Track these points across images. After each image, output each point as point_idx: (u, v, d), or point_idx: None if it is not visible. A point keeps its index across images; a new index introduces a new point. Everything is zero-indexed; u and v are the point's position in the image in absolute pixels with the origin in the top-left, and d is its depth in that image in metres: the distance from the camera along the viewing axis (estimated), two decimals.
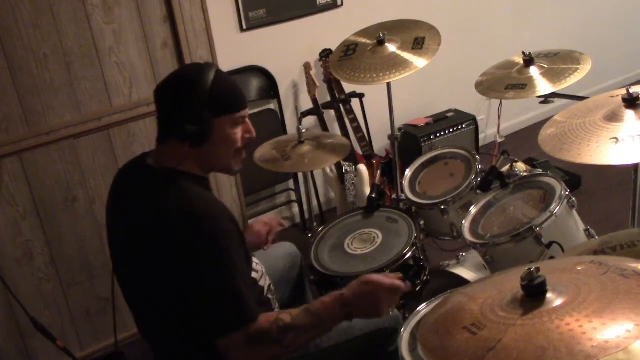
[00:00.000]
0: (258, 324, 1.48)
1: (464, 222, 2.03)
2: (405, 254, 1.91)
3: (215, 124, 1.55)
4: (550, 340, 0.86)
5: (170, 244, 1.46)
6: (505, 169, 2.23)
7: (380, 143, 3.66)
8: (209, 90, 1.53)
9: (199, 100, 1.52)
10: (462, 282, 2.20)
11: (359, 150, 3.30)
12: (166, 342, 1.63)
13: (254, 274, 1.69)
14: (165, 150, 1.60)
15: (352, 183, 3.21)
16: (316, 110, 3.30)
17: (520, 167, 2.55)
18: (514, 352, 0.87)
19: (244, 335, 1.46)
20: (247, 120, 1.64)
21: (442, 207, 2.21)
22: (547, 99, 2.47)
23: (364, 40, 2.48)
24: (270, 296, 1.76)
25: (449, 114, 3.72)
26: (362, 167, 3.16)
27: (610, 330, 0.86)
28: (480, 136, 3.81)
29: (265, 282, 1.75)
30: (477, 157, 2.30)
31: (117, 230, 1.65)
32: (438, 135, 3.54)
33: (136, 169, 1.66)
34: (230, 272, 1.49)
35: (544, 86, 2.22)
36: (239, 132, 1.61)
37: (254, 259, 1.76)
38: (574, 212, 1.93)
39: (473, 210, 2.07)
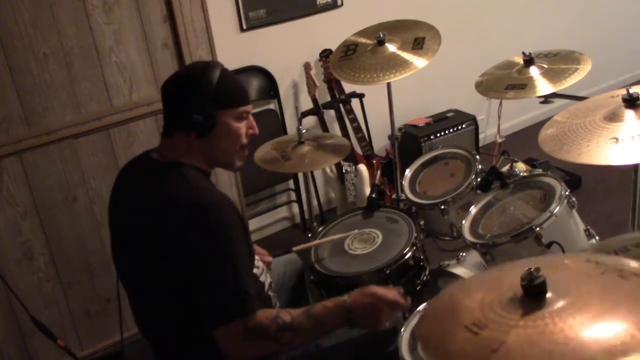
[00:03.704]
0: (257, 318, 1.49)
1: (464, 222, 2.03)
2: (405, 254, 1.91)
3: (220, 115, 1.60)
4: (556, 344, 0.86)
5: (174, 233, 1.48)
6: (505, 169, 2.22)
7: (380, 143, 3.66)
8: (214, 85, 1.59)
9: (204, 94, 1.58)
10: None
11: (359, 150, 3.30)
12: (167, 340, 1.64)
13: (254, 270, 1.70)
14: (171, 143, 1.63)
15: (352, 183, 3.21)
16: (316, 110, 3.29)
17: (520, 167, 2.54)
18: (519, 355, 0.86)
19: (241, 327, 1.47)
20: (251, 116, 1.69)
21: (442, 207, 2.20)
22: (547, 99, 2.47)
23: (364, 40, 2.48)
24: (271, 293, 1.77)
25: (449, 114, 3.72)
26: (362, 167, 3.16)
27: (612, 331, 0.86)
28: (480, 136, 3.82)
29: (266, 279, 1.76)
30: (477, 157, 2.30)
31: (120, 223, 1.66)
32: (438, 135, 3.54)
33: (140, 164, 1.69)
34: (232, 262, 1.50)
35: (544, 86, 2.21)
36: (242, 126, 1.66)
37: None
38: (574, 212, 1.93)
39: (473, 210, 2.07)
